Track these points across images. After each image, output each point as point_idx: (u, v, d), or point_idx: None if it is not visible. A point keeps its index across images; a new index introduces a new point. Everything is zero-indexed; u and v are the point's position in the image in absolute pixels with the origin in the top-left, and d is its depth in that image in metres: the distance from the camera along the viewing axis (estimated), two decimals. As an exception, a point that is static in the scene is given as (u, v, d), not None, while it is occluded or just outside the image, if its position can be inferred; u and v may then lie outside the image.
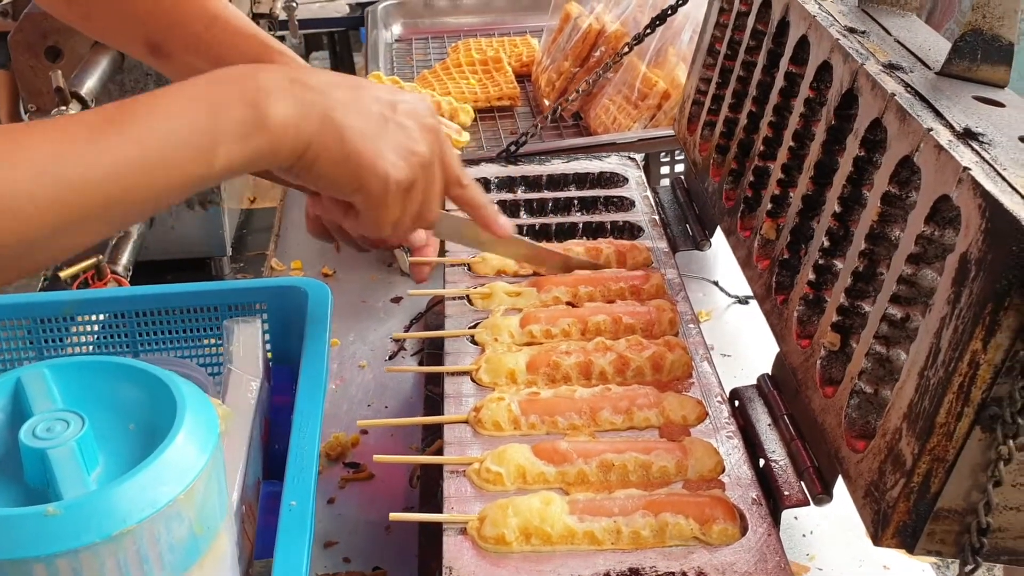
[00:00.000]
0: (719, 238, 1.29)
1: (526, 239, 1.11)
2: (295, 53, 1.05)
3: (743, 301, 1.50)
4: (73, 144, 0.69)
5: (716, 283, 1.53)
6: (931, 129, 0.76)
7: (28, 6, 1.38)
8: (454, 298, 1.11)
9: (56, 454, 0.71)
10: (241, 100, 0.75)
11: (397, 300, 1.54)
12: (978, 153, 0.73)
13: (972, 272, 0.67)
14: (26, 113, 1.40)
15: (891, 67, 0.88)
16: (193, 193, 0.79)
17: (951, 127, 0.77)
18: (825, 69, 0.97)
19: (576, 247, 1.17)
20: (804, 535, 1.10)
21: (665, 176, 1.61)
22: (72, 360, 0.82)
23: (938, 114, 0.79)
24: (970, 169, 0.70)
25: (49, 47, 1.36)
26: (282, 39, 2.62)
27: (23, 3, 1.43)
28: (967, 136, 0.75)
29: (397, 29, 2.17)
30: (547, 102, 1.81)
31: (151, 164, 0.71)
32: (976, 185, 0.69)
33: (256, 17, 1.87)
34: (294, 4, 1.96)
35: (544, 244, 1.15)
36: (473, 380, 0.98)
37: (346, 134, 0.79)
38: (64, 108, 1.20)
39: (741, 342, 1.41)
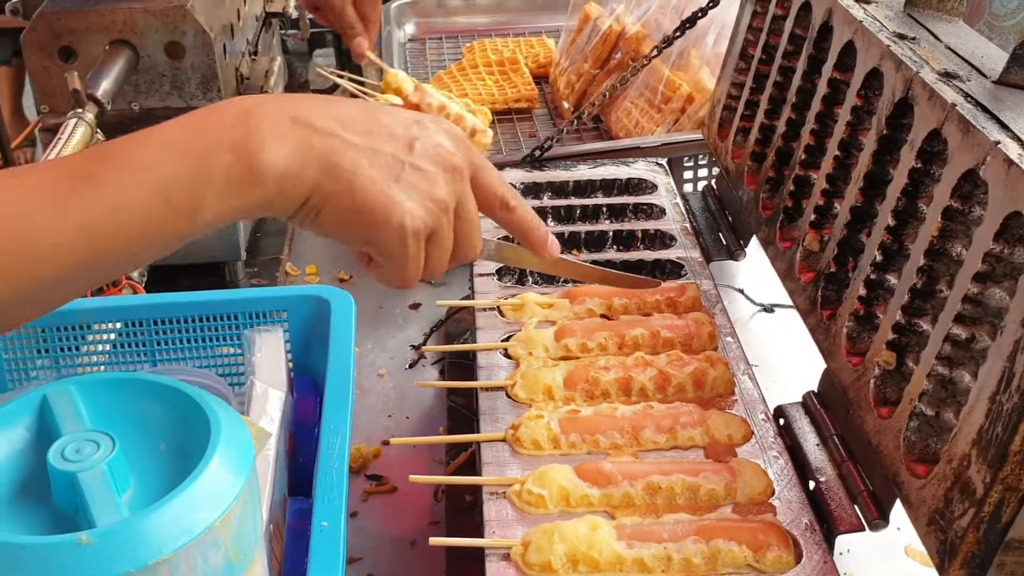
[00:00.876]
0: (750, 247, 1.26)
1: (575, 259, 1.05)
2: None
3: (769, 309, 1.47)
4: (37, 205, 0.63)
5: (741, 291, 1.50)
6: (998, 142, 0.73)
7: (41, 5, 1.34)
8: (484, 309, 1.08)
9: (87, 477, 0.68)
10: (230, 148, 0.67)
11: (416, 307, 1.51)
12: (1050, 168, 0.70)
13: (1050, 293, 0.64)
14: (39, 113, 1.37)
15: (947, 75, 0.85)
16: (175, 250, 0.71)
17: (1019, 140, 0.74)
18: (874, 76, 0.94)
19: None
20: (841, 553, 1.07)
21: (688, 181, 1.58)
22: (99, 377, 0.79)
23: (1004, 126, 0.76)
24: (1045, 185, 0.67)
25: (63, 47, 1.32)
26: (285, 38, 2.59)
27: (33, 2, 1.39)
28: (1037, 150, 0.72)
29: (410, 28, 2.13)
30: (566, 104, 1.78)
31: (124, 226, 0.65)
32: (1052, 202, 0.66)
33: (269, 16, 1.83)
34: (306, 3, 1.93)
35: (577, 258, 1.10)
36: (508, 396, 0.95)
37: (355, 183, 0.71)
38: (80, 110, 1.16)
39: (768, 352, 1.38)
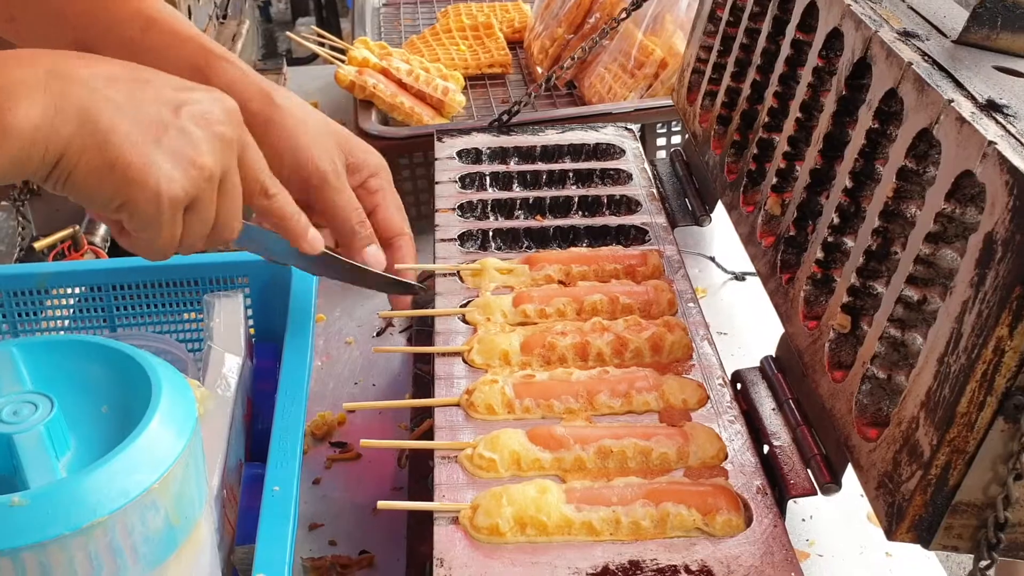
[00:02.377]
0: (717, 212, 1.25)
1: (341, 256, 0.96)
2: (240, 60, 0.96)
3: (740, 277, 1.46)
4: None
5: (712, 259, 1.49)
6: (952, 100, 0.72)
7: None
8: (444, 274, 1.06)
9: (23, 439, 0.67)
10: None
11: (385, 274, 1.50)
12: (1003, 126, 0.68)
13: (998, 253, 0.63)
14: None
15: (906, 35, 0.84)
16: None
17: (973, 98, 0.72)
18: (835, 36, 0.92)
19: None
20: (803, 519, 1.07)
21: (662, 148, 1.57)
22: (42, 339, 0.78)
23: (959, 84, 0.75)
24: (996, 143, 0.66)
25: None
26: (267, 5, 2.56)
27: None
28: (990, 108, 0.71)
29: (385, -7, 2.11)
30: (540, 69, 1.76)
31: None
32: (1003, 160, 0.65)
33: (242, -20, 1.81)
34: (280, -33, 1.91)
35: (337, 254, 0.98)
36: (465, 361, 0.94)
37: (111, 138, 0.66)
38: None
39: (738, 320, 1.37)
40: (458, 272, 1.05)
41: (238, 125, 0.74)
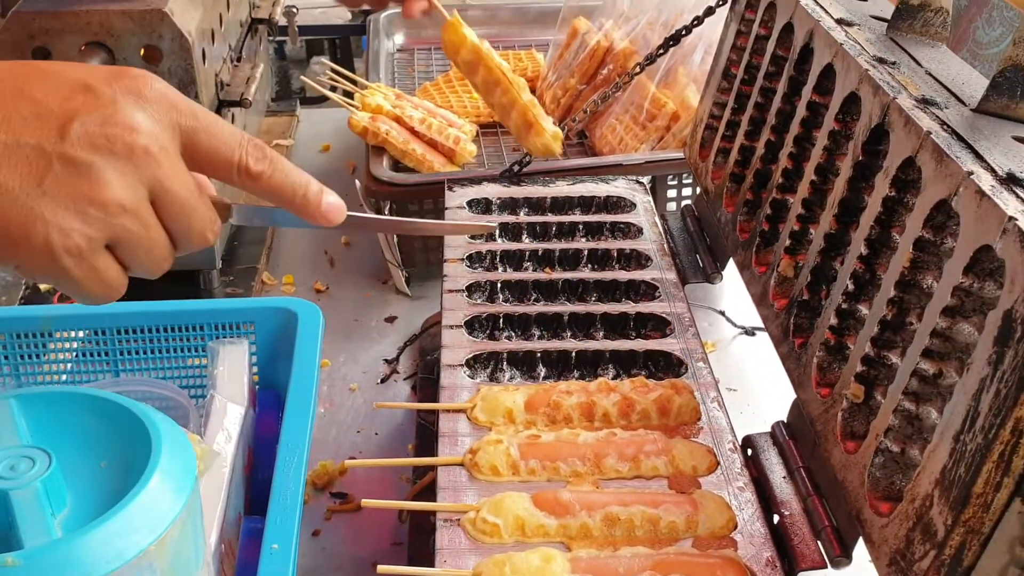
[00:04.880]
0: (727, 268, 1.24)
1: (369, 214, 0.85)
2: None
3: (750, 332, 1.45)
4: None
5: (722, 313, 1.48)
6: (971, 172, 0.71)
7: (16, 4, 1.32)
8: (451, 326, 1.05)
9: (19, 496, 0.66)
10: None
11: (391, 320, 1.49)
12: (1023, 201, 0.67)
13: (1017, 332, 0.62)
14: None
15: (925, 102, 0.83)
16: None
17: (993, 171, 0.71)
18: (852, 101, 0.92)
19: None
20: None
21: (672, 200, 1.56)
22: (41, 391, 0.77)
23: (978, 156, 0.74)
24: (1016, 219, 0.65)
25: (37, 48, 1.30)
26: (281, 45, 2.57)
27: (11, 1, 1.37)
28: (1011, 181, 0.70)
29: (399, 39, 2.11)
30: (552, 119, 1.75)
31: None
32: (1023, 236, 0.63)
33: (255, 22, 1.81)
34: (295, 10, 1.91)
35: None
36: (468, 418, 0.92)
37: None
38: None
39: (748, 376, 1.36)
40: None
41: (168, 115, 0.59)
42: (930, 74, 0.90)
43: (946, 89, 0.86)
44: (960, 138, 0.77)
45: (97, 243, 0.58)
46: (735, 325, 1.46)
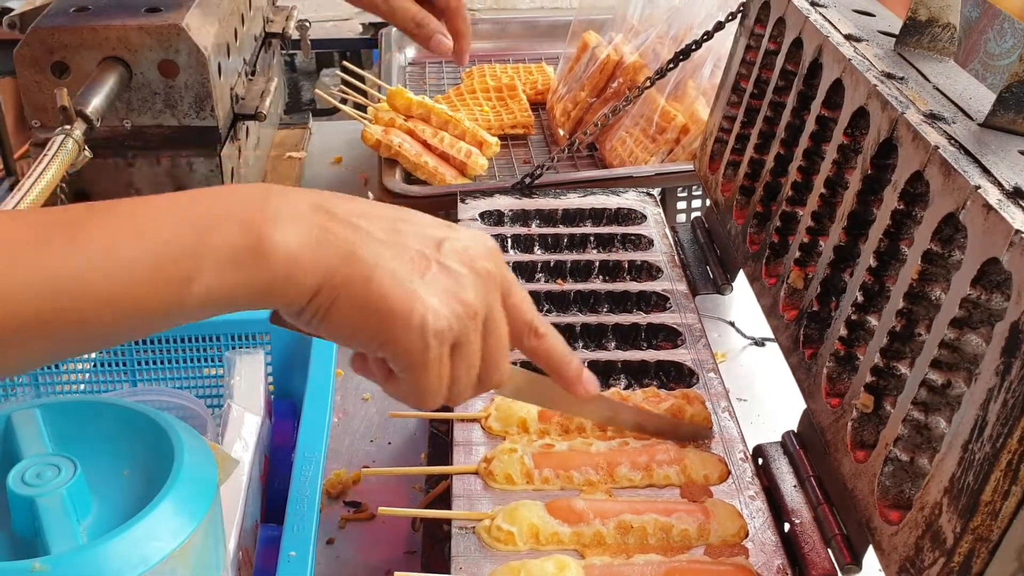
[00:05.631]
0: (737, 279, 1.25)
1: (611, 397, 0.93)
2: None
3: (760, 343, 1.45)
4: (13, 245, 0.57)
5: (732, 324, 1.49)
6: (978, 187, 0.73)
7: (36, 20, 1.34)
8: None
9: (45, 503, 0.67)
10: (239, 220, 0.61)
11: (404, 331, 1.50)
12: (1030, 214, 0.69)
13: (1024, 343, 0.63)
14: (29, 128, 1.36)
15: (932, 117, 0.84)
16: (159, 330, 0.65)
17: (1000, 185, 0.73)
18: (861, 115, 0.93)
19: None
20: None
21: (682, 212, 1.57)
22: (65, 401, 0.78)
23: (985, 170, 0.75)
24: (1023, 232, 0.66)
25: (56, 63, 1.32)
26: (292, 57, 2.60)
27: (31, 16, 1.39)
28: (1017, 195, 0.71)
29: (411, 52, 2.13)
30: (561, 132, 1.77)
31: (95, 282, 0.58)
32: (1030, 250, 0.65)
33: (269, 36, 1.83)
34: (307, 24, 1.93)
35: (618, 397, 0.95)
36: (483, 428, 0.94)
37: (374, 274, 0.63)
38: (68, 127, 1.16)
39: (758, 387, 1.37)
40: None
41: (499, 264, 0.70)
42: (938, 89, 0.91)
43: (954, 104, 0.88)
44: (967, 152, 0.78)
45: (452, 335, 0.66)
46: (745, 336, 1.47)
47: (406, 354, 0.65)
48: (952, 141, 0.80)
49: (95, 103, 1.23)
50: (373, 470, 0.97)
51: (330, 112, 2.09)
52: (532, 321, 0.73)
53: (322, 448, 0.95)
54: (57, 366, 1.11)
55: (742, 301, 1.50)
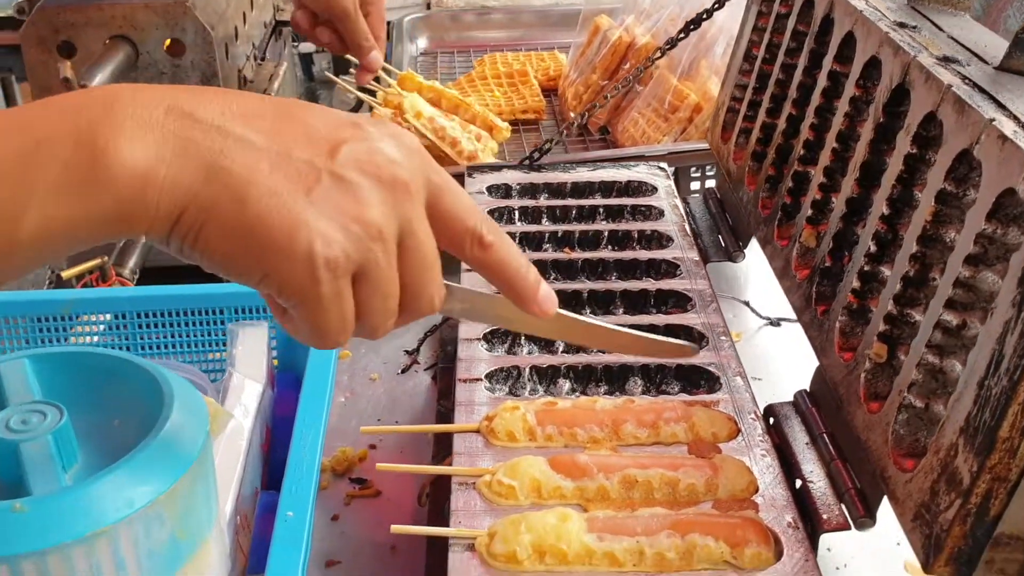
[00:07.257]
0: (752, 256, 1.23)
1: (576, 316, 0.74)
2: None
3: (775, 323, 1.42)
4: None
5: (747, 303, 1.46)
6: (993, 119, 0.70)
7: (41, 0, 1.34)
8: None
9: (29, 448, 0.66)
10: (73, 134, 0.50)
11: (413, 313, 1.48)
12: (1046, 144, 0.66)
13: (1042, 271, 0.61)
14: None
15: (946, 60, 0.82)
16: (4, 277, 0.54)
17: (1015, 118, 0.70)
18: (873, 65, 0.90)
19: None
20: (838, 568, 1.03)
21: (696, 192, 1.54)
22: (55, 351, 0.76)
23: (1000, 105, 0.72)
24: (1039, 160, 0.64)
25: (62, 42, 1.31)
26: (309, 66, 2.59)
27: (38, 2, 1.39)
28: (1033, 127, 0.68)
29: (423, 43, 2.12)
30: (573, 115, 1.75)
31: None
32: (1047, 176, 0.62)
33: (280, 25, 1.83)
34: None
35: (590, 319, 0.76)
36: (486, 388, 0.91)
37: (248, 192, 0.52)
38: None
39: (773, 366, 1.34)
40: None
41: (421, 164, 0.58)
42: (952, 38, 0.88)
43: (968, 50, 0.85)
44: (982, 90, 0.76)
45: (351, 264, 0.55)
46: (760, 316, 1.44)
47: (292, 290, 0.54)
48: (966, 80, 0.77)
49: (99, 79, 1.22)
50: (373, 428, 0.96)
51: (354, 110, 2.08)
52: (475, 228, 0.60)
53: (323, 413, 0.93)
54: (60, 340, 1.10)
55: (758, 281, 1.47)
